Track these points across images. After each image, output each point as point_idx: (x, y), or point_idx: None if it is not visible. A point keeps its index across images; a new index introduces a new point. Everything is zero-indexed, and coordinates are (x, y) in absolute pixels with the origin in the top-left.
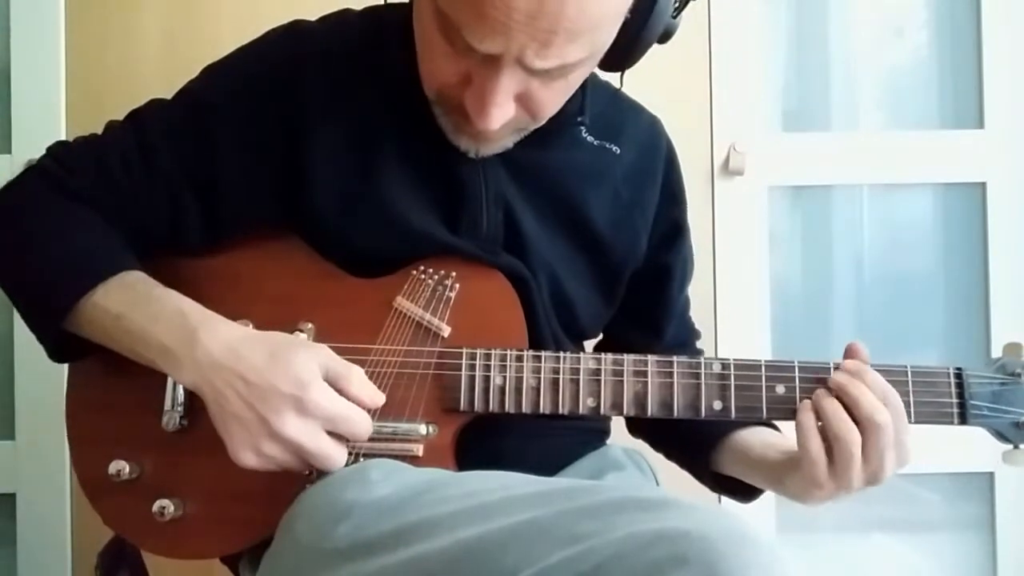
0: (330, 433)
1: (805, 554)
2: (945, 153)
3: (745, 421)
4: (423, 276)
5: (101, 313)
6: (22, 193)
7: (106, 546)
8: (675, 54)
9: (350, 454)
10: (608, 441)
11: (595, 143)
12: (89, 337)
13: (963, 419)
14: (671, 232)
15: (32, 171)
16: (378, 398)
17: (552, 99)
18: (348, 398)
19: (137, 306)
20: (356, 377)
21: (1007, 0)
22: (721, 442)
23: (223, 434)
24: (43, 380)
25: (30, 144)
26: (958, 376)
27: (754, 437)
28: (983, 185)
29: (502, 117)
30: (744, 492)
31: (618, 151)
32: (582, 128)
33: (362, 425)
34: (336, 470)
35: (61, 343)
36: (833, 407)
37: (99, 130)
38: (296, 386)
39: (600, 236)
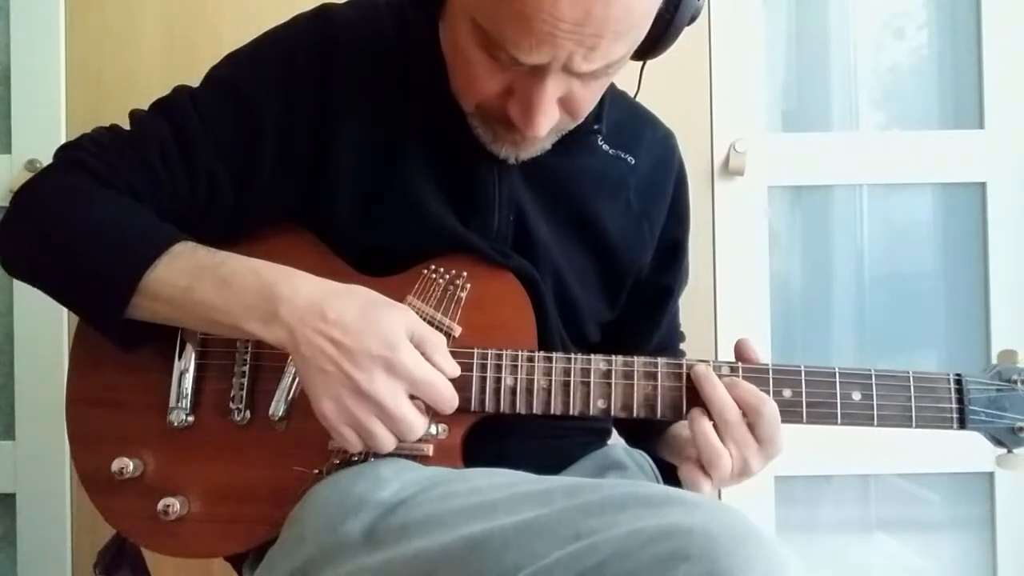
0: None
1: (805, 554)
2: (945, 153)
3: None
4: (434, 276)
5: (167, 287)
6: (63, 185)
7: (106, 545)
8: (675, 54)
9: (360, 453)
10: (610, 441)
11: (610, 152)
12: (153, 317)
13: (962, 424)
14: (672, 251)
15: (66, 163)
16: (455, 370)
17: (592, 97)
18: (433, 362)
19: (205, 273)
20: (440, 345)
21: (1007, 0)
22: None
23: (307, 387)
24: (43, 380)
25: (30, 144)
26: (958, 382)
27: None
28: (983, 185)
29: (549, 123)
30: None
31: (633, 161)
32: (598, 136)
33: (446, 393)
34: (414, 438)
35: (126, 328)
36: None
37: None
38: (386, 346)
39: (610, 243)
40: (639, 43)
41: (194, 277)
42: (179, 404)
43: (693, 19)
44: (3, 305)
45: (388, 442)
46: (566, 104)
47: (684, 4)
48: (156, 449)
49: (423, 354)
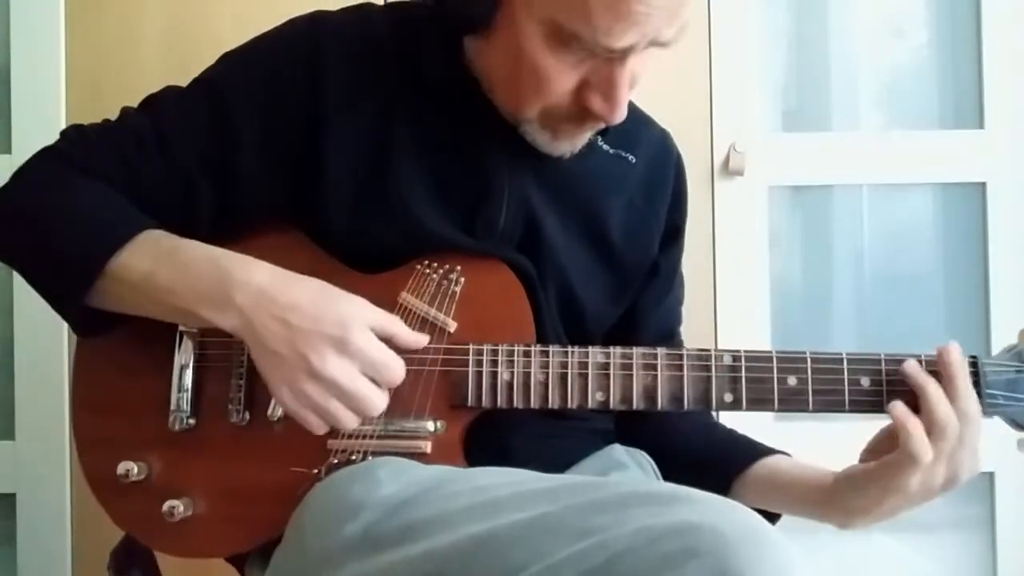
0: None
1: (805, 554)
2: (945, 153)
3: (756, 452)
4: (427, 271)
5: (130, 272)
6: (39, 169)
7: (118, 544)
8: (675, 54)
9: (358, 452)
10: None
11: (611, 151)
12: (117, 303)
13: None
14: (670, 234)
15: (48, 152)
16: (421, 339)
17: (646, 69)
18: (396, 342)
19: (165, 258)
20: (398, 322)
21: (1007, 0)
22: (741, 474)
23: (263, 373)
24: (43, 380)
25: (30, 144)
26: (973, 365)
27: (783, 463)
28: (983, 185)
29: (627, 105)
30: None
31: (633, 160)
32: (599, 137)
33: (398, 372)
34: (375, 414)
35: (87, 314)
36: (939, 393)
37: None
38: (339, 327)
39: (616, 244)
40: None
41: (156, 262)
42: (180, 407)
43: None
44: (3, 305)
45: (350, 420)
46: (631, 81)
47: None
48: (159, 452)
49: (385, 337)
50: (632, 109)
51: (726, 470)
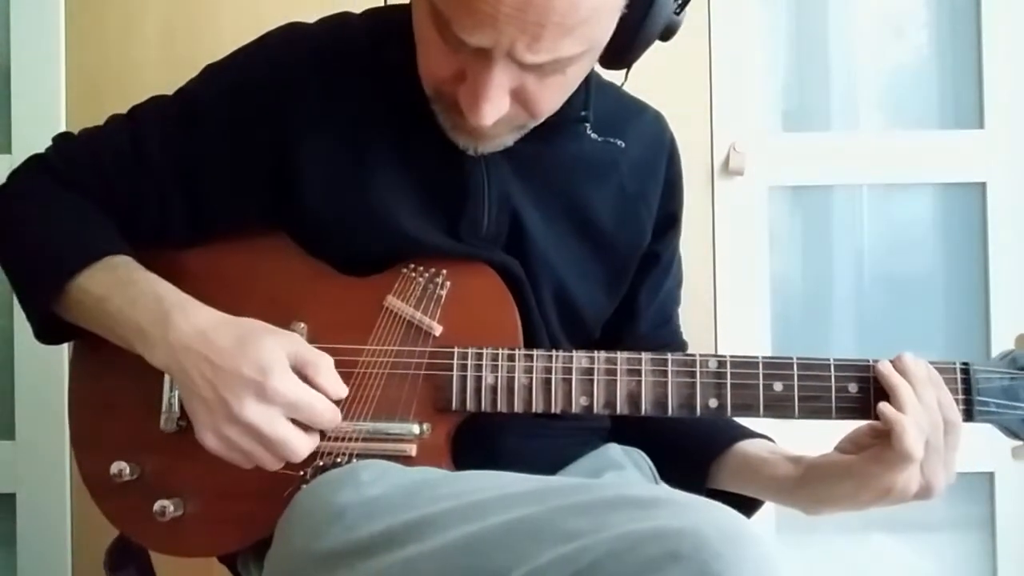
0: (296, 423)
1: (805, 554)
2: (945, 153)
3: (734, 436)
4: (413, 274)
5: (86, 295)
6: (23, 180)
7: (113, 542)
8: (675, 54)
9: (343, 454)
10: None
11: (599, 139)
12: (75, 320)
13: (968, 416)
14: (665, 223)
15: (35, 160)
16: (341, 390)
17: (549, 96)
18: (314, 387)
19: (118, 289)
20: (324, 366)
21: (1007, 0)
22: (718, 458)
23: (190, 415)
24: (43, 380)
25: (30, 144)
26: (965, 371)
27: (757, 448)
28: (983, 185)
29: (495, 113)
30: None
31: (623, 145)
32: (586, 126)
33: (326, 414)
34: (298, 458)
35: (47, 324)
36: (910, 394)
37: None
38: (258, 371)
39: (605, 232)
40: (599, 46)
41: (108, 291)
42: (171, 408)
43: (669, 33)
44: (3, 304)
45: (273, 464)
46: (521, 99)
47: (652, 12)
48: (151, 453)
49: (306, 376)
50: (625, 97)
51: (703, 454)
